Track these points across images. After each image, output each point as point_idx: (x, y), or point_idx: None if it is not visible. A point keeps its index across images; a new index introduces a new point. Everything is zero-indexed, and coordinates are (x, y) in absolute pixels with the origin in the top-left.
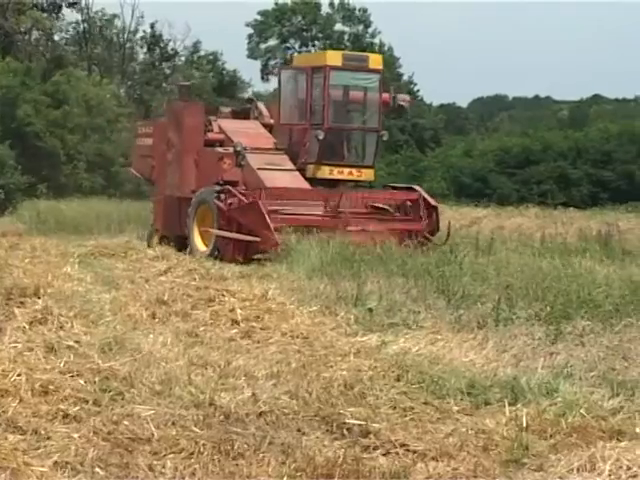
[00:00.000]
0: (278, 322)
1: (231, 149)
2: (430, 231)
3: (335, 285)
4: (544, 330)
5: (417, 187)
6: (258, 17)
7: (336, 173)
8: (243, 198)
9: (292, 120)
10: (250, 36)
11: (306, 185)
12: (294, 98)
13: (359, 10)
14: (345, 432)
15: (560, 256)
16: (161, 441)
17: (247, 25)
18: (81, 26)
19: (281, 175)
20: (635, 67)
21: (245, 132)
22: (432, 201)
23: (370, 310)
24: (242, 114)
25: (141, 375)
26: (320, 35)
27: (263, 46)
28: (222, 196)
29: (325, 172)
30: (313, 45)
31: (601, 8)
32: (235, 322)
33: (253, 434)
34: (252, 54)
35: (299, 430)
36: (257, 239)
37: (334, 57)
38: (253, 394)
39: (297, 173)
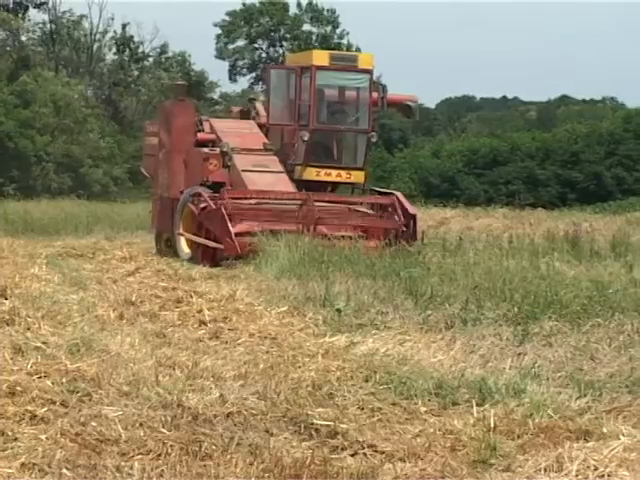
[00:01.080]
0: (246, 323)
1: (218, 149)
2: (407, 239)
3: (303, 286)
4: (512, 331)
5: (398, 194)
6: (226, 18)
7: (323, 175)
8: (211, 203)
9: (282, 120)
10: (218, 36)
11: (289, 187)
12: (283, 98)
13: (327, 11)
14: (313, 433)
15: (528, 257)
16: (129, 442)
17: (215, 25)
18: (48, 26)
19: (266, 177)
20: (603, 68)
21: (237, 132)
22: (411, 209)
23: (338, 311)
24: (248, 114)
25: (109, 376)
26: (288, 36)
27: (231, 47)
28: (195, 199)
29: (311, 174)
30: (281, 46)
31: (568, 10)
32: (203, 323)
33: (221, 435)
34: (220, 54)
35: (267, 431)
36: (220, 246)
37: (320, 57)
38: (221, 395)
39: (284, 175)
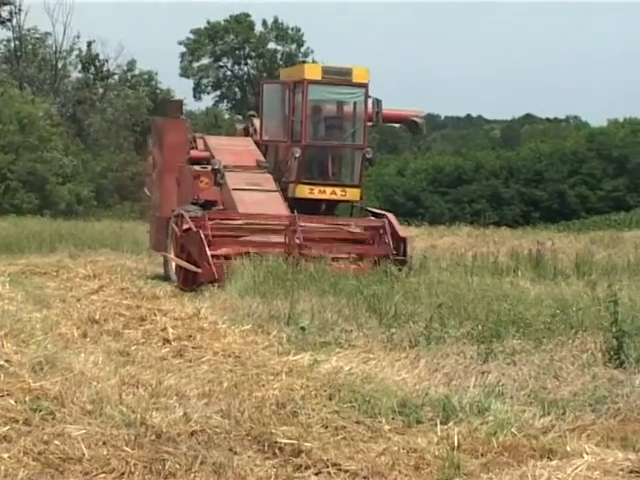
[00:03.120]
0: (210, 341)
1: (210, 167)
2: (397, 262)
3: (268, 304)
4: (475, 349)
5: (390, 215)
6: (191, 36)
7: (317, 192)
8: (192, 224)
9: (276, 137)
10: (182, 55)
11: (281, 206)
12: (276, 114)
13: (292, 29)
14: (277, 451)
15: (491, 275)
16: (92, 461)
17: (180, 44)
18: (12, 44)
19: (257, 195)
20: (567, 87)
21: (231, 150)
22: (401, 232)
23: (302, 329)
24: (248, 131)
25: (72, 394)
26: (253, 54)
27: (196, 65)
28: (178, 220)
29: (304, 191)
30: (246, 64)
31: (531, 28)
32: (167, 341)
33: (185, 453)
34: (184, 73)
35: (231, 449)
36: (199, 270)
37: (313, 70)
38: (185, 413)
39: (276, 194)
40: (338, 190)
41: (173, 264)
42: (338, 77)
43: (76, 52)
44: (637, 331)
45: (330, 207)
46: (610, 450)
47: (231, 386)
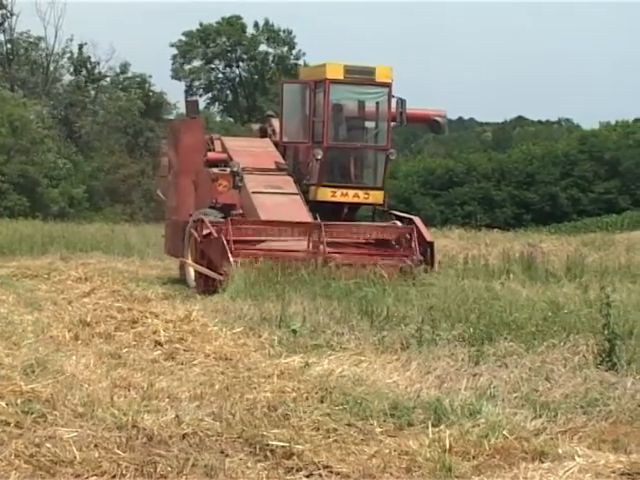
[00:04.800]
0: (202, 343)
1: (228, 169)
2: (425, 266)
3: (259, 306)
4: (467, 351)
5: (416, 219)
6: (182, 38)
7: (339, 195)
8: (213, 230)
9: (296, 138)
10: (174, 57)
11: (302, 210)
12: (296, 115)
13: (283, 32)
14: (268, 454)
15: (483, 278)
16: (83, 463)
17: (171, 46)
18: (4, 47)
19: (278, 199)
20: (558, 89)
21: (250, 151)
22: (428, 236)
23: (294, 331)
24: (266, 132)
25: (64, 397)
26: (245, 56)
27: (187, 67)
28: (197, 225)
29: (326, 194)
30: (237, 66)
31: (523, 31)
32: (158, 344)
33: (176, 456)
34: (176, 75)
35: (222, 452)
36: (220, 277)
37: (335, 70)
38: (176, 416)
39: (297, 197)
40: (361, 193)
41: (191, 270)
42: (361, 76)
43: (68, 55)
44: (629, 334)
45: (352, 210)
46: (602, 452)
47: (222, 389)
